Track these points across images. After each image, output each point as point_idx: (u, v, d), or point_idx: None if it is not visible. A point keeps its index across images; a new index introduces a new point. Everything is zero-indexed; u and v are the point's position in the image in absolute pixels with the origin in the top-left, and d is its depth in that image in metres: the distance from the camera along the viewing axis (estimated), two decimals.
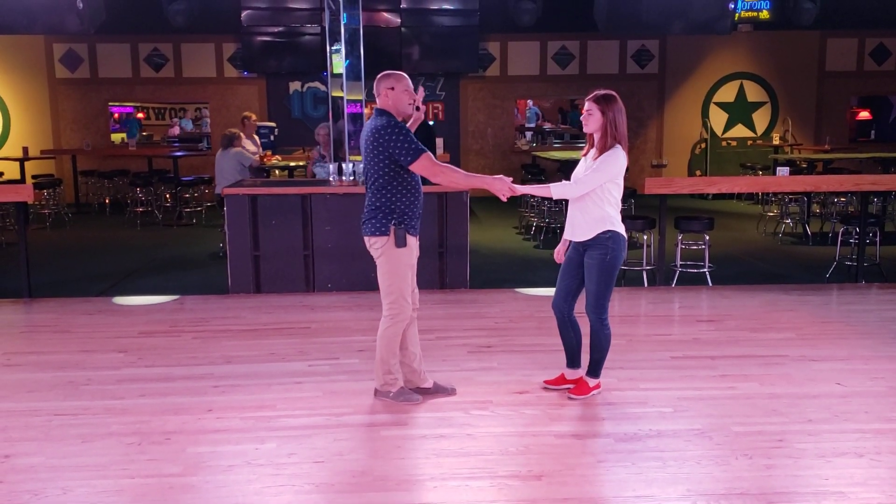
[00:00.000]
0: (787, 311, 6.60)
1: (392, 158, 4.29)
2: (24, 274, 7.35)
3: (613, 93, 4.41)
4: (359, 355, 5.43)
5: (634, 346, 5.68)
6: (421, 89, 4.77)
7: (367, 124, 4.43)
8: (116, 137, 15.38)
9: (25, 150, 13.39)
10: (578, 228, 4.50)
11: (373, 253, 4.47)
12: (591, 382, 4.66)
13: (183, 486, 3.59)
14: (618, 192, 4.46)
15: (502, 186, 4.40)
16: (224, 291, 7.47)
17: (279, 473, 3.71)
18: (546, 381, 4.82)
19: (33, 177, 12.93)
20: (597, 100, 4.37)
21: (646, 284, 7.69)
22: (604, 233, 4.40)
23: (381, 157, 4.31)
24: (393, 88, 4.38)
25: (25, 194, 7.48)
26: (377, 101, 4.43)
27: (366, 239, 4.46)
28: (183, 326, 6.30)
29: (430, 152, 4.33)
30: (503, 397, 4.65)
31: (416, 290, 4.63)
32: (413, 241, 4.46)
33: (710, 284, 7.63)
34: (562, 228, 10.86)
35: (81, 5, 8.06)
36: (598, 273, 4.42)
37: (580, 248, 4.53)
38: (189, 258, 9.39)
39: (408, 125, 4.48)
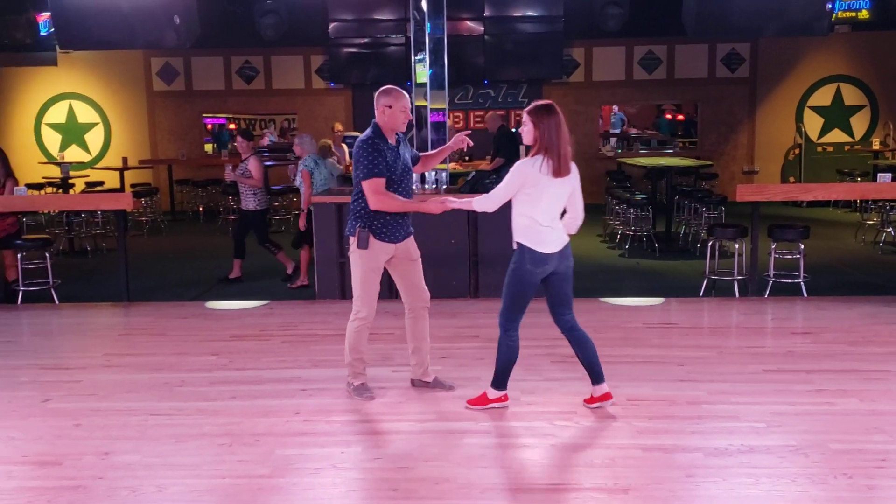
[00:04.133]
0: (890, 325, 6.28)
1: None
2: (123, 279, 7.68)
3: (550, 103, 4.34)
4: (442, 362, 5.44)
5: (725, 358, 5.52)
6: (465, 134, 4.94)
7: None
8: (209, 147, 15.93)
9: (125, 160, 14.00)
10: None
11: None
12: (492, 394, 4.56)
13: (272, 487, 3.67)
14: (531, 204, 4.28)
15: (434, 204, 4.61)
16: (311, 297, 7.62)
17: (364, 478, 3.75)
18: (585, 401, 4.63)
19: (132, 185, 13.50)
20: (529, 112, 4.34)
21: (737, 295, 7.46)
22: (516, 244, 4.38)
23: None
24: (390, 107, 4.60)
25: (125, 202, 7.82)
26: (375, 113, 4.64)
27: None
28: (272, 331, 6.46)
29: (383, 180, 4.52)
30: (587, 408, 4.58)
31: (425, 288, 4.83)
32: (382, 246, 4.63)
33: (806, 295, 7.34)
34: (648, 237, 10.57)
35: (179, 21, 8.37)
36: (506, 282, 4.42)
37: None
38: (278, 265, 9.61)
39: (437, 149, 4.82)
